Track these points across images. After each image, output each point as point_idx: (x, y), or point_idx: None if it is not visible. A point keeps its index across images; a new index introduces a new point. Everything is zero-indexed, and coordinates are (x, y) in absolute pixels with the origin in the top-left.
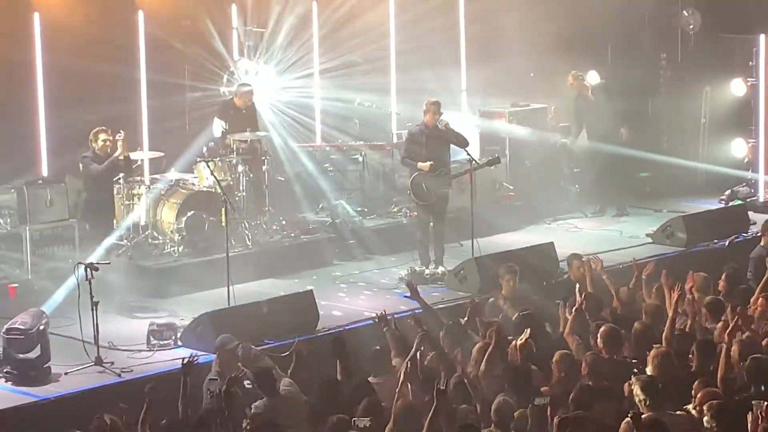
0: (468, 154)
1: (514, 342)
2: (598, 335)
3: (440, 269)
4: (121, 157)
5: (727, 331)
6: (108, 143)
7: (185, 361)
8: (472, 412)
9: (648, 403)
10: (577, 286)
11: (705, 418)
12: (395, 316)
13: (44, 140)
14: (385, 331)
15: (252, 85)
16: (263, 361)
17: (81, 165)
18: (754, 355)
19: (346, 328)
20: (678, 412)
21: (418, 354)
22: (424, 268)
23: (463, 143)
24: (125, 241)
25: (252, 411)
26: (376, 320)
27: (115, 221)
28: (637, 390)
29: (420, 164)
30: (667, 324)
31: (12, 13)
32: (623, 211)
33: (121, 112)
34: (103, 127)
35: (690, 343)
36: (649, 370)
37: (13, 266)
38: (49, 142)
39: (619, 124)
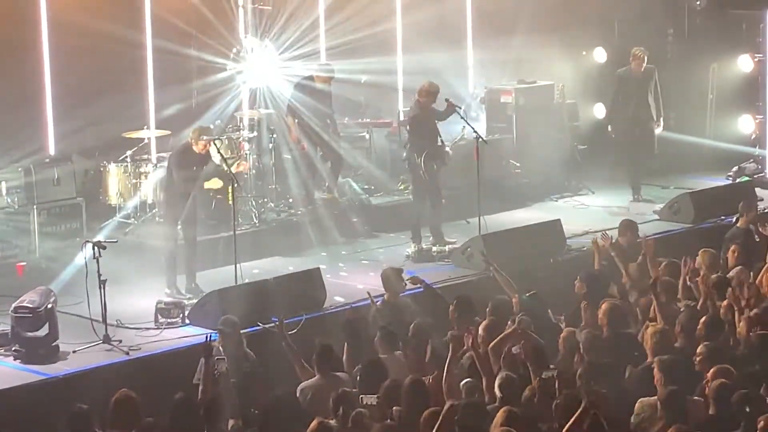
0: (474, 131)
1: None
2: (600, 312)
3: (447, 247)
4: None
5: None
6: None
7: (205, 342)
8: (477, 389)
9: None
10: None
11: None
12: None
13: (51, 120)
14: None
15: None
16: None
17: (174, 165)
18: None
19: (353, 306)
20: (695, 398)
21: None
22: (430, 246)
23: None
24: (132, 219)
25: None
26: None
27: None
28: (655, 370)
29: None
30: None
31: None
32: (638, 193)
33: (128, 92)
34: (206, 127)
35: (697, 321)
36: (647, 347)
37: (21, 245)
38: (56, 122)
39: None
